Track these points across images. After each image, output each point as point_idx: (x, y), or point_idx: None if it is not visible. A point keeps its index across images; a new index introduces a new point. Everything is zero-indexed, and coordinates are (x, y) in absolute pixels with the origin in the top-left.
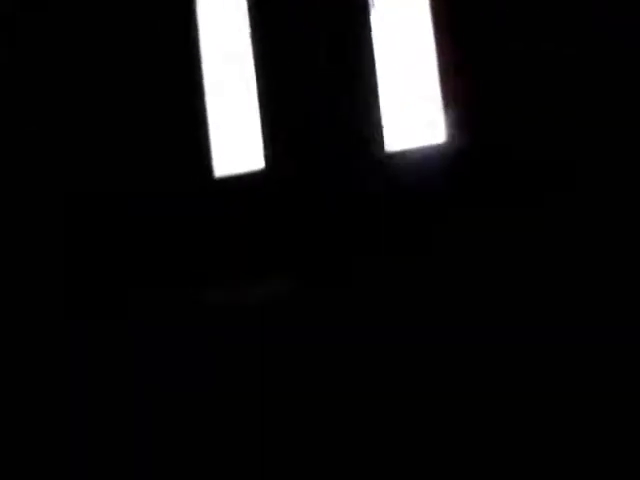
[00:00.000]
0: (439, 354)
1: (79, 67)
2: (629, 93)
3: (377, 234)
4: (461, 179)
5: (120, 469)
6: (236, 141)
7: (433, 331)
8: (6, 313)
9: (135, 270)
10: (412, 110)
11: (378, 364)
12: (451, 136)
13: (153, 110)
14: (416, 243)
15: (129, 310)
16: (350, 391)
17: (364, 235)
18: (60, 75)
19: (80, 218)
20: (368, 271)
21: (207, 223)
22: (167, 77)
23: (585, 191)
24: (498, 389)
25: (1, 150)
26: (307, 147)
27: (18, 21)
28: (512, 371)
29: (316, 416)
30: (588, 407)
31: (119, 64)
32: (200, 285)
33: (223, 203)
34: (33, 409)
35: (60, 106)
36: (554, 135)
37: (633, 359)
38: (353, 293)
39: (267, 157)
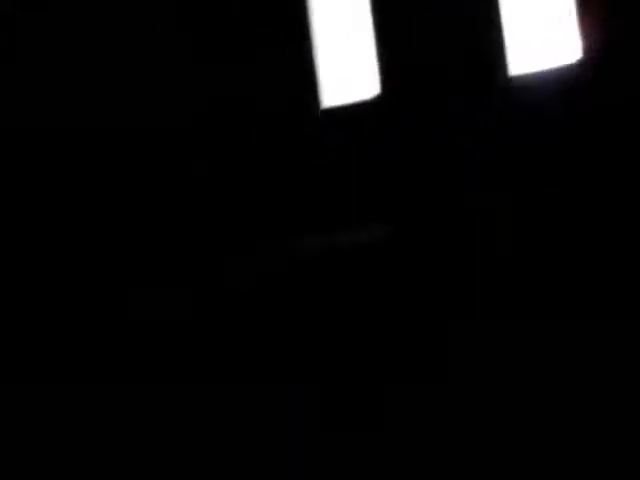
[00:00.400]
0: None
1: None
2: None
3: (494, 173)
4: (594, 106)
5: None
6: (347, 67)
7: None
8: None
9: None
10: (541, 28)
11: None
12: (584, 57)
13: (247, 28)
14: (539, 185)
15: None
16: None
17: (481, 173)
18: None
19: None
20: (477, 212)
21: (315, 159)
22: None
23: None
24: None
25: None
26: (425, 73)
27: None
28: None
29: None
30: None
31: None
32: (299, 228)
33: (331, 137)
34: None
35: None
36: None
37: None
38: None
39: (383, 84)
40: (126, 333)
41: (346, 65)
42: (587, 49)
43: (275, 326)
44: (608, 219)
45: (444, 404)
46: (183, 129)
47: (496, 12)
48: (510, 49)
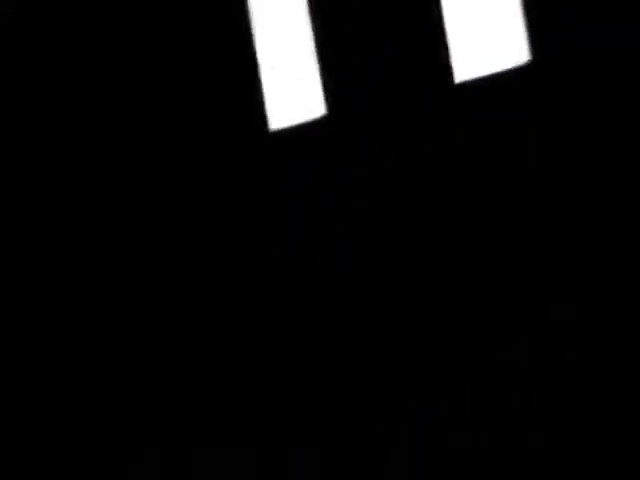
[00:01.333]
0: None
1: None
2: None
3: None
4: (554, 114)
5: None
6: (287, 87)
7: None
8: None
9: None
10: (489, 30)
11: None
12: (540, 54)
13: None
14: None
15: None
16: None
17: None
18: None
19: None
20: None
21: (263, 184)
22: (207, 18)
23: None
24: None
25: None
26: (371, 85)
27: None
28: None
29: None
30: None
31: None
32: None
33: (281, 160)
34: None
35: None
36: None
37: None
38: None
39: (328, 101)
40: None
41: (290, 86)
42: (538, 52)
43: None
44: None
45: None
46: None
47: (441, 20)
48: (458, 53)
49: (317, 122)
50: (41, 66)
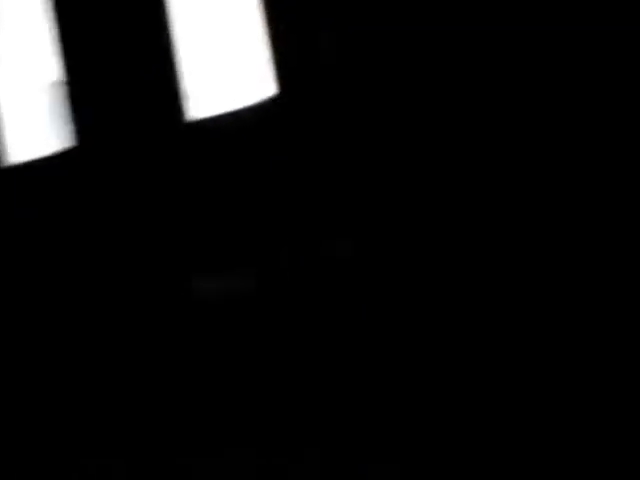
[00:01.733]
0: None
1: None
2: None
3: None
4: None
5: None
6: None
7: None
8: None
9: None
10: (236, 67)
11: None
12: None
13: None
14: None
15: None
16: None
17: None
18: None
19: None
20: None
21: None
22: None
23: None
24: None
25: None
26: (119, 117)
27: None
28: None
29: None
30: None
31: None
32: None
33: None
34: None
35: None
36: None
37: None
38: None
39: (74, 133)
40: None
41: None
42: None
43: None
44: None
45: None
46: None
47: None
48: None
49: (65, 154)
50: None
